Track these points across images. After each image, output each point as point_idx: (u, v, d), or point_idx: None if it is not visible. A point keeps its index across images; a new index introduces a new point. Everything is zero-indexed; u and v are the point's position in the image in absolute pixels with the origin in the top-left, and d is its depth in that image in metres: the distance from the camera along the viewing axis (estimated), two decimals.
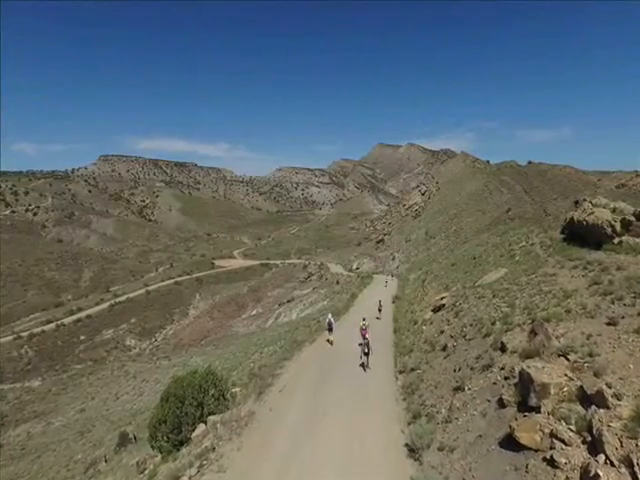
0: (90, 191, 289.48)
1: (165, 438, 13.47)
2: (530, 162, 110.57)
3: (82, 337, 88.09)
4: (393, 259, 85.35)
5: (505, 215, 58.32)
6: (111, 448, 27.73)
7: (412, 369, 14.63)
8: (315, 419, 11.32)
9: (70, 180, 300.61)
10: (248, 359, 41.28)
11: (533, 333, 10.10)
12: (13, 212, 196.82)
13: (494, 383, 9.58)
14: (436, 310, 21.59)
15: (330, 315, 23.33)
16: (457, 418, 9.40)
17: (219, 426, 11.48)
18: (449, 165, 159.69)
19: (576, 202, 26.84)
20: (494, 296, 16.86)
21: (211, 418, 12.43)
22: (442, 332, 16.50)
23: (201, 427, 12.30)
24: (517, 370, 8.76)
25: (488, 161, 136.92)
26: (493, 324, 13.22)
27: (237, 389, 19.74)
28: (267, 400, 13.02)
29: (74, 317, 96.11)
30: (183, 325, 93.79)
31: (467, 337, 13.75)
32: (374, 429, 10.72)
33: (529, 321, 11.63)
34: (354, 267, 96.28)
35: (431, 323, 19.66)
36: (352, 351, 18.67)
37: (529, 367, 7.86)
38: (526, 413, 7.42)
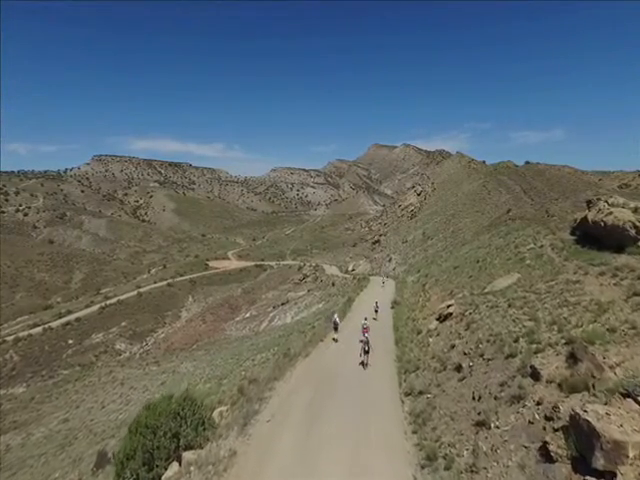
0: (83, 191, 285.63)
1: (134, 475, 11.50)
2: (528, 162, 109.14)
3: (70, 341, 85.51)
4: (390, 260, 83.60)
5: (505, 216, 56.66)
6: (89, 467, 25.72)
7: (420, 392, 12.76)
8: (308, 462, 9.40)
9: (62, 180, 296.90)
10: (240, 366, 39.39)
11: (574, 358, 8.28)
12: (3, 212, 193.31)
13: (530, 422, 7.74)
14: (442, 319, 19.76)
15: (336, 315, 24.71)
16: (486, 468, 7.54)
17: (193, 469, 9.56)
18: (445, 165, 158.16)
19: (588, 202, 25.15)
20: (510, 306, 15.05)
21: (186, 456, 10.50)
22: (453, 347, 14.64)
23: (174, 467, 10.36)
24: (562, 409, 6.92)
25: (484, 161, 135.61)
26: (516, 341, 11.39)
27: (223, 408, 17.86)
28: (252, 434, 11.07)
29: (63, 320, 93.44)
30: (175, 328, 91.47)
31: (485, 356, 11.90)
32: (380, 475, 8.82)
33: (563, 341, 9.81)
34: (350, 269, 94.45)
35: (438, 335, 17.82)
36: (351, 367, 16.83)
37: (586, 411, 6.02)
38: (588, 477, 5.58)
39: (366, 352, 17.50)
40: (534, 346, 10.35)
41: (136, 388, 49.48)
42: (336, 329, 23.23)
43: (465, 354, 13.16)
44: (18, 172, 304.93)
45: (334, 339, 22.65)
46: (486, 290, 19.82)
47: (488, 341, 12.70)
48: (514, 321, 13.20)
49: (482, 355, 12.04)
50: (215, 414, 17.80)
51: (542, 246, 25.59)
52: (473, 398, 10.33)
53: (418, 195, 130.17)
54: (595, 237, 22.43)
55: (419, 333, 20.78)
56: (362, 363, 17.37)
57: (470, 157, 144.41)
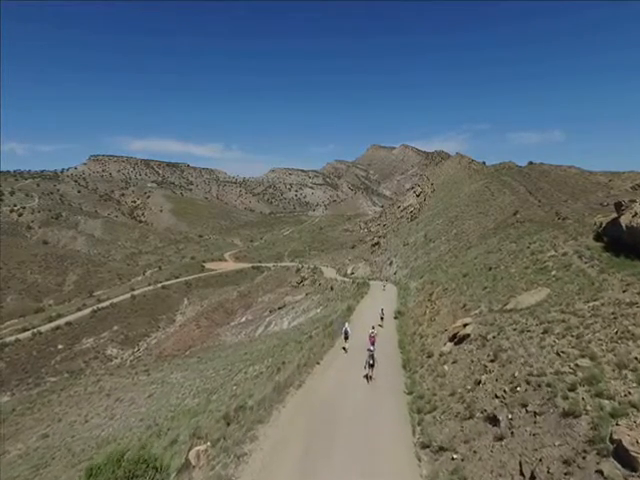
0: (79, 191, 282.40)
1: None
2: (531, 162, 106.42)
3: (60, 346, 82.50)
4: (390, 264, 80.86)
5: (513, 218, 53.97)
6: None
7: (442, 448, 10.01)
8: None
9: (59, 180, 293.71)
10: (231, 380, 36.78)
11: None
12: None
13: None
14: (458, 341, 17.00)
15: (347, 324, 24.34)
16: None
17: None
18: (444, 166, 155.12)
19: (618, 204, 22.46)
20: (546, 332, 12.29)
21: None
22: (478, 384, 11.86)
23: None
24: None
25: (484, 162, 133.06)
26: (572, 390, 8.63)
27: (202, 447, 15.20)
28: None
29: (53, 324, 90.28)
30: (168, 333, 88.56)
31: (530, 408, 9.12)
32: None
33: None
34: (349, 272, 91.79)
35: (455, 362, 15.03)
36: (353, 400, 14.07)
37: None
38: None
39: (371, 365, 17.05)
40: (607, 404, 7.59)
41: (122, 400, 46.71)
42: (347, 338, 23.13)
43: (498, 398, 10.38)
44: (14, 172, 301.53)
45: (344, 348, 22.64)
46: (508, 307, 17.08)
47: (528, 383, 9.92)
48: (559, 355, 10.43)
49: (525, 405, 9.25)
50: (191, 455, 15.19)
51: (565, 254, 22.89)
52: (522, 474, 7.59)
53: (417, 196, 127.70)
54: (630, 244, 19.79)
55: (430, 356, 18.03)
56: (367, 376, 16.94)
57: (470, 158, 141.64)
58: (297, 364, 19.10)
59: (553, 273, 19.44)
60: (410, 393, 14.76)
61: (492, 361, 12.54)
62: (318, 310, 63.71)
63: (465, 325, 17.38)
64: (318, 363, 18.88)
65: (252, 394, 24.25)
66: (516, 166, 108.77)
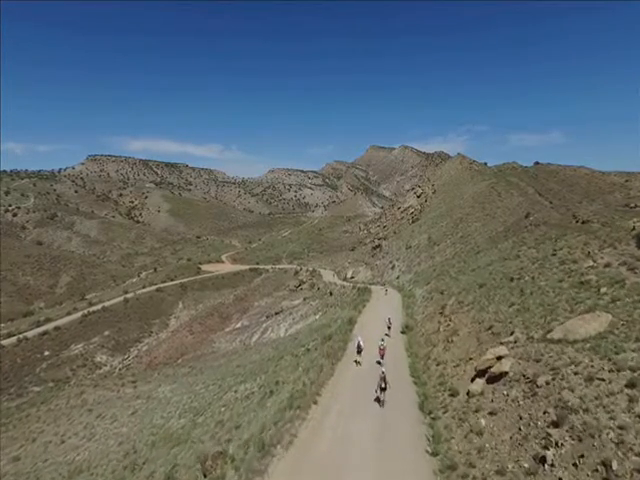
0: (76, 191, 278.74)
1: None
2: (537, 163, 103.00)
3: (46, 353, 78.67)
4: (392, 268, 77.28)
5: (525, 220, 50.43)
6: None
7: None
8: None
9: (56, 180, 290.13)
10: (220, 399, 33.35)
11: None
12: None
13: None
14: (490, 378, 13.41)
15: (359, 338, 23.94)
16: None
17: None
18: (445, 167, 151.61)
19: None
20: (634, 385, 8.74)
21: None
22: (543, 462, 8.29)
23: None
24: None
25: (485, 163, 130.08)
26: None
27: None
28: None
29: (40, 329, 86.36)
30: (160, 340, 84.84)
31: None
32: None
33: None
34: (349, 275, 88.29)
35: (493, 414, 11.43)
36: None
37: None
38: None
39: (383, 389, 15.98)
40: None
41: (104, 417, 43.10)
42: (359, 352, 23.14)
43: None
44: (11, 171, 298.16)
45: (357, 362, 22.80)
46: (555, 335, 13.47)
47: None
48: None
49: None
50: None
51: (608, 264, 19.31)
52: None
53: (418, 197, 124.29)
54: None
55: (454, 394, 14.43)
56: (378, 400, 16.16)
57: (471, 159, 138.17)
58: (290, 398, 15.44)
59: (603, 290, 15.83)
60: (435, 454, 11.16)
61: (556, 426, 8.95)
62: (317, 317, 60.28)
63: (499, 358, 13.78)
64: (315, 403, 15.23)
65: (239, 425, 20.85)
66: (520, 166, 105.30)
